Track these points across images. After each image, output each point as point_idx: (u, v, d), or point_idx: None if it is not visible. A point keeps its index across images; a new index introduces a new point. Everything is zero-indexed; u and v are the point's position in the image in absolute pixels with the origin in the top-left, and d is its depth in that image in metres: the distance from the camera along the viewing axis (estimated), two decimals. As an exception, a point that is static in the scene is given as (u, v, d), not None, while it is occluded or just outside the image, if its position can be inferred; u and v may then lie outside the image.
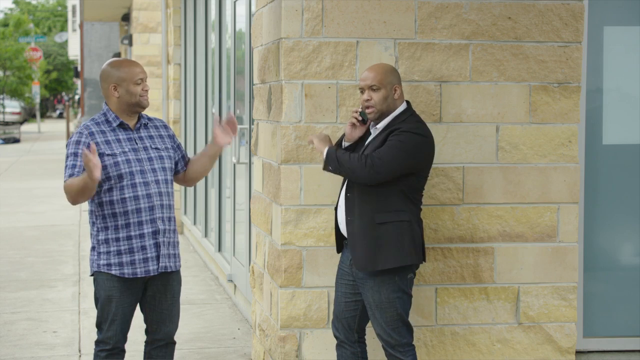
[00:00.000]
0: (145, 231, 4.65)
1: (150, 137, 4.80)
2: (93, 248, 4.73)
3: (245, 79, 7.59)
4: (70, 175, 4.60)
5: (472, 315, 5.40)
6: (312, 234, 5.25)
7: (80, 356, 6.55)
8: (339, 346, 4.89)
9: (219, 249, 9.33)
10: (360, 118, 4.71)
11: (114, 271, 4.65)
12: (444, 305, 5.38)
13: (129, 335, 4.85)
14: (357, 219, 4.62)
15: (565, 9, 5.38)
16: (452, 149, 5.31)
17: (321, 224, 5.25)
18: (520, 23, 5.35)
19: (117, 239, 4.65)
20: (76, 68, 47.36)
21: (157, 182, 4.70)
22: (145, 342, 4.95)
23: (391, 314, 4.63)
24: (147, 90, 4.74)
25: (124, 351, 4.84)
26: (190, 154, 11.57)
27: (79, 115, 39.10)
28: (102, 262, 4.66)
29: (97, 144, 4.64)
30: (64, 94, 66.46)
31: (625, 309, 5.95)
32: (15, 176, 20.23)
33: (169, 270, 4.77)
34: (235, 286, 8.06)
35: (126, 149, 4.68)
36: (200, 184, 10.89)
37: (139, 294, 4.77)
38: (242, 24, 7.90)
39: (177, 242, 4.85)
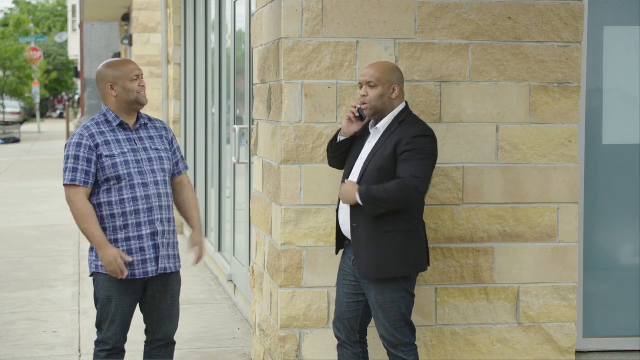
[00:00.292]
0: (144, 232, 4.65)
1: (150, 137, 4.80)
2: (92, 249, 4.72)
3: (245, 79, 7.59)
4: (72, 181, 4.59)
5: (472, 315, 5.40)
6: (312, 234, 5.25)
7: (80, 356, 6.54)
8: (340, 346, 4.88)
9: (219, 249, 9.33)
10: (357, 114, 4.72)
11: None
12: (444, 305, 5.38)
13: (129, 335, 4.85)
14: (363, 227, 4.60)
15: (565, 9, 5.38)
16: (452, 149, 5.31)
17: (321, 224, 5.25)
18: (520, 23, 5.35)
19: (116, 240, 4.64)
20: (76, 68, 47.35)
21: (156, 183, 4.70)
22: (145, 342, 4.95)
23: (395, 313, 4.63)
24: (143, 87, 4.73)
25: (123, 351, 4.84)
26: (190, 154, 11.57)
27: (79, 115, 39.10)
28: (100, 262, 4.66)
29: (97, 145, 4.64)
30: (63, 94, 66.44)
31: (625, 309, 5.95)
32: (15, 176, 20.23)
33: (168, 271, 4.76)
34: (235, 286, 8.06)
35: (125, 150, 4.68)
36: (201, 184, 10.90)
37: (138, 294, 4.77)
38: (242, 24, 7.90)
39: (177, 243, 4.85)
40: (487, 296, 5.41)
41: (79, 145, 4.64)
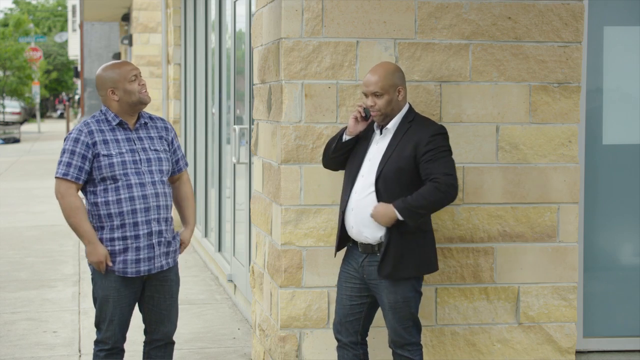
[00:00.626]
0: (141, 232, 4.65)
1: (150, 137, 4.79)
2: None
3: (245, 79, 7.58)
4: (65, 175, 4.61)
5: (472, 315, 5.40)
6: (312, 234, 5.25)
7: (80, 356, 6.54)
8: (340, 348, 4.86)
9: (219, 249, 9.32)
10: (363, 114, 4.72)
11: (117, 270, 4.66)
12: (444, 305, 5.38)
13: (128, 335, 4.85)
14: (387, 229, 4.62)
15: (565, 9, 5.38)
16: (452, 148, 5.30)
17: (321, 224, 5.25)
18: (520, 23, 5.35)
19: (112, 239, 4.65)
20: (76, 68, 47.36)
21: (153, 183, 4.69)
22: (144, 342, 4.95)
23: (405, 313, 4.65)
24: (143, 85, 4.73)
25: (123, 351, 4.84)
26: (190, 154, 11.57)
27: (79, 115, 39.11)
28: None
29: (95, 143, 4.64)
30: (63, 94, 66.45)
31: (625, 309, 5.95)
32: (15, 176, 20.23)
33: (164, 268, 4.76)
34: (235, 286, 8.06)
35: (123, 150, 4.67)
36: (200, 184, 10.90)
37: (137, 294, 4.77)
38: (242, 24, 7.90)
39: (174, 240, 4.81)
40: (487, 296, 5.41)
41: (76, 140, 4.64)
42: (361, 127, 4.75)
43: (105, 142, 4.66)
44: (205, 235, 10.44)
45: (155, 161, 4.74)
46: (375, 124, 4.78)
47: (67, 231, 12.10)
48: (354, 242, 4.77)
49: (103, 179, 4.63)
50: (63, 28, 64.97)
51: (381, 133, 4.75)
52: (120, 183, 4.63)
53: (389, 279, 4.62)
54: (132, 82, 4.69)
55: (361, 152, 4.76)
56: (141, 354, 5.01)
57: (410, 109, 4.76)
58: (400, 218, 4.52)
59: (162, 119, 4.94)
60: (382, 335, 5.22)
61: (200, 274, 9.49)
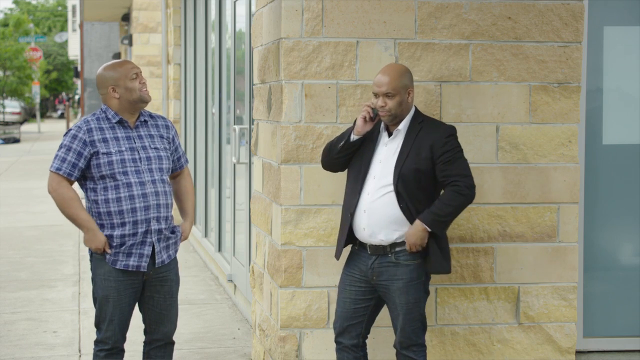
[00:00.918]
0: (140, 230, 4.65)
1: (150, 135, 4.79)
2: None
3: (245, 79, 7.59)
4: (58, 169, 4.63)
5: (472, 315, 5.40)
6: (312, 234, 5.25)
7: (80, 356, 6.54)
8: (341, 350, 4.82)
9: (219, 249, 9.32)
10: (372, 114, 4.70)
11: (107, 258, 4.65)
12: (444, 305, 5.38)
13: (128, 335, 4.85)
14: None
15: (565, 9, 5.38)
16: (452, 149, 5.31)
17: (321, 224, 5.25)
18: (520, 23, 5.35)
19: (112, 237, 4.65)
20: (76, 68, 47.36)
21: (153, 181, 4.69)
22: (144, 342, 4.95)
23: (415, 314, 4.67)
24: (144, 84, 4.73)
25: (123, 351, 4.84)
26: (190, 154, 11.57)
27: (79, 115, 39.12)
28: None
29: (93, 141, 4.64)
30: (63, 94, 66.45)
31: (625, 309, 5.95)
32: (15, 176, 20.24)
33: (165, 262, 4.76)
34: (235, 286, 8.06)
35: (123, 148, 4.68)
36: (200, 184, 10.90)
37: (137, 294, 4.77)
38: (242, 24, 7.90)
39: (174, 232, 4.81)
40: (487, 296, 5.41)
41: (74, 137, 4.65)
42: (368, 127, 4.72)
43: (105, 140, 4.67)
44: (205, 235, 10.44)
45: (155, 159, 4.74)
46: (382, 126, 4.76)
47: (67, 231, 12.10)
48: (360, 245, 4.75)
49: (102, 177, 4.64)
50: (63, 28, 64.97)
51: (389, 135, 4.73)
52: (119, 181, 4.63)
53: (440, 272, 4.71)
54: (133, 80, 4.69)
55: (368, 154, 4.72)
56: (141, 354, 5.01)
57: (417, 110, 4.78)
58: (430, 230, 4.58)
59: (162, 117, 4.93)
60: (382, 336, 5.22)
61: (200, 274, 9.49)
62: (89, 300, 7.80)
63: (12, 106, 47.16)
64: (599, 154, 5.86)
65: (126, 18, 20.44)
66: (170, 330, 4.90)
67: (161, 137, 4.83)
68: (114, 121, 4.71)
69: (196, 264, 10.08)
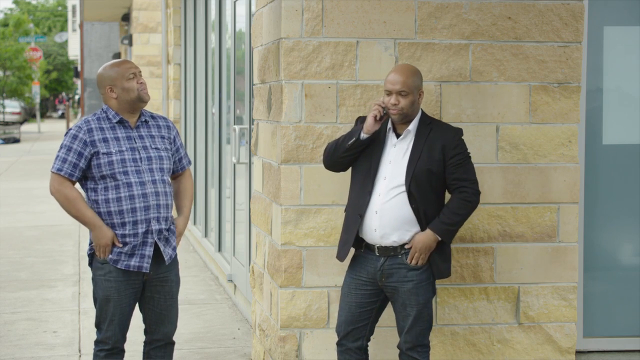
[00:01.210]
0: (140, 231, 4.65)
1: (151, 136, 4.78)
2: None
3: (245, 79, 7.59)
4: (59, 170, 4.63)
5: (472, 315, 5.40)
6: (312, 234, 5.25)
7: (80, 356, 6.55)
8: (343, 353, 4.80)
9: (219, 249, 9.33)
10: (382, 113, 4.67)
11: (109, 258, 4.66)
12: (444, 305, 5.38)
13: (129, 335, 4.85)
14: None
15: (565, 9, 5.38)
16: (452, 149, 5.31)
17: (321, 224, 5.25)
18: (520, 23, 5.35)
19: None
20: (76, 68, 47.37)
21: (153, 182, 4.69)
22: (144, 342, 4.95)
23: (425, 315, 4.68)
24: (142, 83, 4.72)
25: (123, 351, 4.84)
26: (190, 154, 11.57)
27: (79, 115, 39.11)
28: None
29: (93, 141, 4.64)
30: (63, 94, 66.46)
31: (625, 309, 5.95)
32: (15, 176, 20.24)
33: (172, 257, 4.76)
34: (235, 286, 8.06)
35: (123, 148, 4.67)
36: (200, 184, 10.90)
37: (137, 294, 4.77)
38: (242, 24, 7.90)
39: (173, 232, 4.81)
40: (487, 296, 5.41)
41: (74, 137, 4.65)
42: (377, 126, 4.67)
43: (105, 140, 4.66)
44: (205, 235, 10.44)
45: (156, 159, 4.74)
46: (389, 126, 4.74)
47: (67, 231, 12.11)
48: (366, 246, 4.73)
49: (103, 177, 4.64)
50: (63, 28, 64.98)
51: (397, 136, 4.71)
52: (120, 181, 4.63)
53: (442, 276, 4.74)
54: (130, 80, 4.69)
55: (377, 154, 4.70)
56: (141, 354, 5.01)
57: (423, 111, 4.78)
58: (439, 238, 4.63)
59: (164, 118, 4.93)
60: (382, 336, 5.22)
61: (200, 274, 9.49)
62: (89, 300, 7.80)
63: (12, 106, 47.16)
64: (599, 154, 5.86)
65: (126, 18, 20.45)
66: (170, 331, 4.90)
67: (162, 137, 4.82)
68: (114, 121, 4.71)
69: (196, 264, 10.08)
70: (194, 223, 11.39)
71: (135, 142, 4.72)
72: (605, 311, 5.93)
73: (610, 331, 5.93)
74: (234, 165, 7.99)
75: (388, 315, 4.99)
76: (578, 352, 5.81)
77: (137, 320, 4.91)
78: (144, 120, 4.79)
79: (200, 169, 10.96)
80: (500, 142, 5.37)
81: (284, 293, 5.27)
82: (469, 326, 5.41)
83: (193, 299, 8.25)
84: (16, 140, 34.06)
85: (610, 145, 5.89)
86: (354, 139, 4.66)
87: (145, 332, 4.92)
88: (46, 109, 64.76)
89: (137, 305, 4.85)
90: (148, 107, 4.84)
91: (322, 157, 5.07)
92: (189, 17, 11.79)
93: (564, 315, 5.47)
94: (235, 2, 8.15)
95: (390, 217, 4.61)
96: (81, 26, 33.38)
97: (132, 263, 4.66)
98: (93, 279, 4.77)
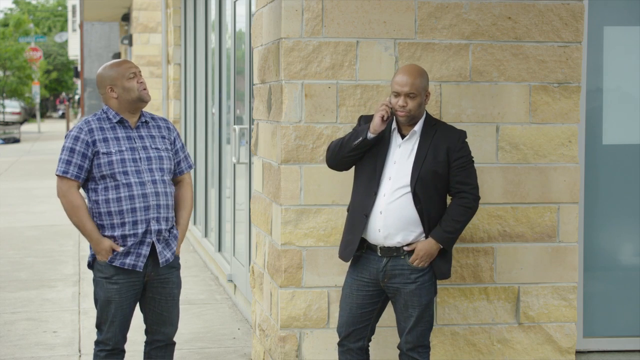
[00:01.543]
0: (140, 231, 4.64)
1: (152, 136, 4.78)
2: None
3: (245, 79, 7.59)
4: (65, 173, 4.62)
5: (472, 315, 5.40)
6: (312, 234, 5.25)
7: (80, 356, 6.54)
8: (344, 353, 4.80)
9: (219, 249, 9.33)
10: (389, 114, 4.65)
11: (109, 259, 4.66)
12: (443, 305, 5.38)
13: (129, 335, 4.85)
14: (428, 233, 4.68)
15: (565, 9, 5.38)
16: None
17: (321, 224, 5.25)
18: (520, 23, 5.35)
19: (112, 237, 4.65)
20: (76, 68, 47.37)
21: (153, 182, 4.69)
22: (145, 342, 4.94)
23: (426, 316, 4.67)
24: (142, 83, 4.72)
25: (123, 351, 4.84)
26: (190, 154, 11.55)
27: (79, 115, 39.10)
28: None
29: (94, 141, 4.64)
30: (64, 94, 66.46)
31: (625, 309, 5.95)
32: (15, 176, 20.24)
33: (170, 260, 4.75)
34: (235, 286, 8.06)
35: (123, 148, 4.67)
36: (201, 184, 10.90)
37: (138, 295, 4.77)
38: (242, 24, 7.90)
39: (175, 237, 4.80)
40: (487, 296, 5.41)
41: (76, 138, 4.65)
42: (384, 126, 4.64)
43: (105, 140, 4.66)
44: (205, 235, 10.44)
45: (156, 159, 4.73)
46: (394, 127, 4.73)
47: (67, 231, 12.10)
48: (368, 247, 4.71)
49: (103, 177, 4.64)
50: (63, 28, 64.98)
51: (402, 136, 4.70)
52: (120, 181, 4.63)
53: (444, 277, 4.74)
54: (130, 80, 4.69)
55: (382, 154, 4.68)
56: (142, 354, 5.01)
57: (428, 112, 4.77)
58: (440, 246, 4.63)
59: (164, 119, 4.93)
60: (382, 336, 5.22)
61: (200, 274, 9.49)
62: (89, 300, 7.80)
63: (12, 106, 47.17)
64: (599, 154, 5.86)
65: (126, 18, 20.45)
66: (171, 332, 4.90)
67: (163, 137, 4.82)
68: (114, 121, 4.71)
69: (196, 264, 10.08)
70: (194, 223, 11.39)
71: (135, 142, 4.72)
72: (605, 311, 5.93)
73: (610, 331, 5.93)
74: (234, 165, 7.99)
75: (388, 315, 4.99)
76: (578, 352, 5.81)
77: (138, 321, 4.91)
78: (144, 120, 4.79)
79: (200, 169, 10.96)
80: (500, 142, 5.37)
81: (284, 293, 5.27)
82: (469, 326, 5.41)
83: (193, 299, 8.26)
84: (16, 140, 34.07)
85: (610, 145, 5.89)
86: (360, 138, 4.64)
87: (146, 332, 4.92)
88: (46, 109, 64.76)
89: (137, 305, 4.85)
90: (148, 107, 4.83)
91: (322, 157, 5.08)
92: (189, 17, 11.79)
93: (564, 315, 5.47)
94: (235, 2, 8.15)
95: (394, 217, 4.61)
96: (81, 26, 33.38)
97: (128, 261, 4.66)
98: (94, 280, 4.77)
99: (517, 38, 5.35)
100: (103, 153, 4.63)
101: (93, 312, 4.93)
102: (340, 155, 4.73)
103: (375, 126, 4.62)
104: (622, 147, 5.91)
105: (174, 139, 4.88)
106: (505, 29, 5.34)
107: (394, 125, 4.71)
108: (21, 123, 44.41)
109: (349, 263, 4.81)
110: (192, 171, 5.04)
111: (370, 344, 4.92)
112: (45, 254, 10.66)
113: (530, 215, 5.41)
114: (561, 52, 5.39)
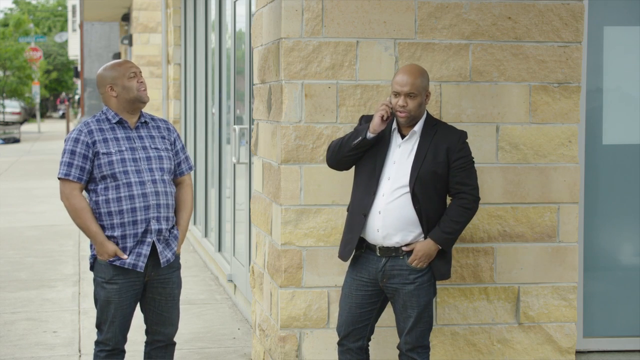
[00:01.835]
0: (140, 231, 4.65)
1: (151, 136, 4.79)
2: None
3: (245, 79, 7.59)
4: (67, 175, 4.62)
5: (472, 315, 5.40)
6: (312, 234, 5.25)
7: (80, 356, 6.55)
8: (344, 352, 4.80)
9: (219, 249, 9.33)
10: (389, 114, 4.65)
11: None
12: (443, 305, 5.38)
13: (129, 335, 4.85)
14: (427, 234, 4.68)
15: (565, 9, 5.38)
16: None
17: (321, 224, 5.25)
18: (520, 23, 5.35)
19: (112, 237, 4.65)
20: (76, 68, 47.36)
21: (153, 181, 4.69)
22: (145, 342, 4.95)
23: (426, 316, 4.67)
24: (142, 83, 4.72)
25: (123, 352, 4.84)
26: (190, 154, 11.57)
27: (79, 115, 39.09)
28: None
29: (94, 142, 4.64)
30: (64, 94, 66.47)
31: (625, 309, 5.95)
32: (15, 176, 20.24)
33: (171, 260, 4.75)
34: (235, 286, 8.06)
35: (123, 148, 4.68)
36: (201, 184, 10.90)
37: (138, 296, 4.77)
38: (242, 24, 7.90)
39: (175, 237, 4.80)
40: (487, 296, 5.41)
41: (76, 140, 4.65)
42: (383, 126, 4.64)
43: (105, 140, 4.67)
44: (205, 235, 10.44)
45: (156, 159, 4.73)
46: (394, 126, 4.73)
47: (67, 231, 12.11)
48: (367, 247, 4.72)
49: (103, 177, 4.64)
50: (63, 28, 64.98)
51: (402, 136, 4.69)
52: (120, 181, 4.63)
53: (444, 278, 4.74)
54: (130, 79, 4.70)
55: (381, 154, 4.68)
56: (142, 354, 5.01)
57: (428, 112, 4.76)
58: (439, 247, 4.63)
59: (164, 120, 4.93)
60: (382, 336, 5.22)
61: (200, 274, 9.49)
62: (89, 300, 7.80)
63: (12, 106, 47.18)
64: (599, 154, 5.86)
65: (126, 18, 20.45)
66: (171, 332, 4.90)
67: (162, 138, 4.83)
68: (113, 121, 4.72)
69: (196, 264, 10.08)
70: (194, 223, 11.39)
71: (135, 142, 4.72)
72: (605, 311, 5.93)
73: (610, 331, 5.93)
74: (234, 165, 7.99)
75: (388, 316, 4.99)
76: (578, 352, 5.81)
77: (138, 321, 4.91)
78: (143, 121, 4.80)
79: (200, 169, 10.96)
80: (501, 142, 5.37)
81: (284, 293, 5.27)
82: (469, 326, 5.41)
83: (193, 299, 8.26)
84: (16, 140, 34.07)
85: (610, 145, 5.89)
86: (360, 138, 4.64)
87: (146, 332, 4.92)
88: (46, 109, 64.77)
89: (138, 305, 4.85)
90: (148, 107, 4.84)
91: (322, 157, 5.09)
92: (189, 17, 11.79)
93: (564, 315, 5.47)
94: (235, 2, 8.15)
95: (393, 217, 4.61)
96: (81, 26, 33.39)
97: (128, 261, 4.66)
98: (94, 280, 4.77)
99: (517, 38, 5.35)
100: (103, 153, 4.63)
101: (93, 312, 4.93)
102: (340, 155, 4.73)
103: (375, 126, 4.62)
104: (622, 147, 5.91)
105: (174, 140, 4.88)
106: (505, 29, 5.34)
107: (394, 125, 4.71)
108: (21, 123, 44.42)
109: (348, 263, 4.82)
110: (192, 172, 5.03)
111: (370, 344, 4.92)
112: (45, 254, 10.66)
113: (530, 215, 5.41)
114: (561, 52, 5.39)
